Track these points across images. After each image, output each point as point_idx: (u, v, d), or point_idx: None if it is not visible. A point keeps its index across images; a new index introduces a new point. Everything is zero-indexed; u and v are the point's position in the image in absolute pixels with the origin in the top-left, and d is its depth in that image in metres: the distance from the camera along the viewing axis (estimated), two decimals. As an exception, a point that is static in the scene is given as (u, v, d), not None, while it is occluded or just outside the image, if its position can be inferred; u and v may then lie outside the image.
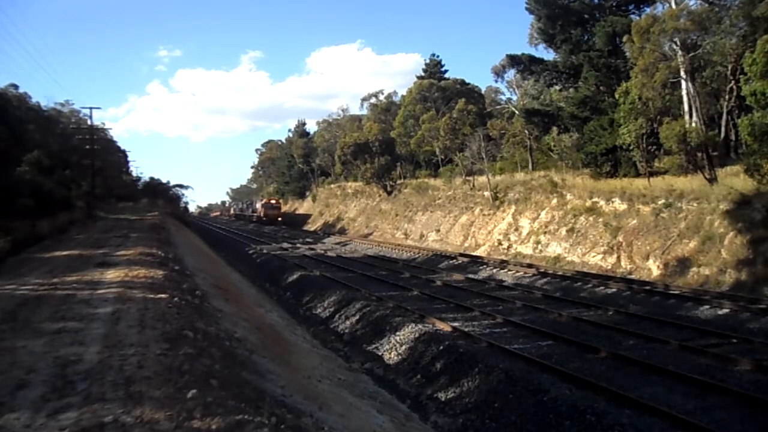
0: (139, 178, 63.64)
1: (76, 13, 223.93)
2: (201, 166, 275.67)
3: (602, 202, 25.21)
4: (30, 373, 4.93)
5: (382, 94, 65.78)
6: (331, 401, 6.79)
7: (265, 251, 31.28)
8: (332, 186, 65.46)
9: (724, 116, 28.88)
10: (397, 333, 12.06)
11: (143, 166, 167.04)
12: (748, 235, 17.75)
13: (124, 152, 59.15)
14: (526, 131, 40.62)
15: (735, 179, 20.58)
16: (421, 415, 8.38)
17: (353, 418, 6.57)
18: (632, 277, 19.71)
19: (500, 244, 28.90)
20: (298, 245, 34.92)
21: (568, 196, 27.67)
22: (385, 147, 54.00)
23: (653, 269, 19.97)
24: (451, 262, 24.42)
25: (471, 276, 20.34)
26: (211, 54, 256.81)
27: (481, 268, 22.24)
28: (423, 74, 60.68)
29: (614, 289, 16.42)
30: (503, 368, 9.12)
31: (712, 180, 21.90)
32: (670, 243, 20.07)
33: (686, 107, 26.97)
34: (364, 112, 67.62)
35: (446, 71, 60.72)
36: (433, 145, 47.51)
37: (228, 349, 6.90)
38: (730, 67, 26.53)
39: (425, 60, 63.88)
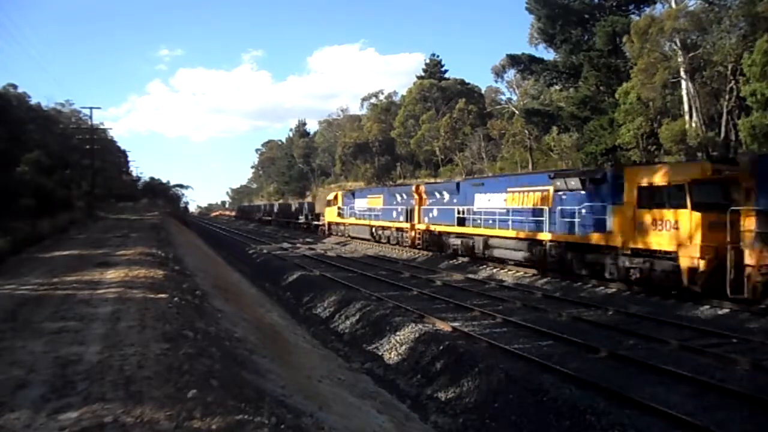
0: (139, 178, 64.00)
1: (77, 13, 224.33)
2: (201, 166, 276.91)
3: (602, 202, 25.16)
4: (30, 372, 4.93)
5: (383, 93, 65.90)
6: (331, 401, 6.79)
7: (265, 251, 31.31)
8: (332, 186, 65.53)
9: (724, 116, 28.86)
10: (397, 333, 12.05)
11: (143, 166, 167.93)
12: (748, 235, 17.70)
13: (124, 152, 59.49)
14: (526, 131, 40.66)
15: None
16: (421, 415, 8.37)
17: (353, 418, 6.57)
18: (632, 277, 19.66)
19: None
20: (298, 245, 34.93)
21: (568, 196, 27.61)
22: (385, 147, 54.12)
23: (653, 269, 19.92)
24: (450, 262, 24.40)
25: (471, 276, 20.33)
26: (212, 53, 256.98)
27: (481, 268, 22.21)
28: (423, 74, 60.76)
29: (614, 289, 16.40)
30: (503, 368, 9.11)
31: (712, 180, 21.87)
32: (670, 243, 20.03)
33: (686, 107, 26.99)
34: (365, 111, 67.74)
35: (446, 71, 60.86)
36: (433, 145, 47.54)
37: (228, 348, 6.90)
38: (730, 67, 26.52)
39: (426, 60, 64.00)
